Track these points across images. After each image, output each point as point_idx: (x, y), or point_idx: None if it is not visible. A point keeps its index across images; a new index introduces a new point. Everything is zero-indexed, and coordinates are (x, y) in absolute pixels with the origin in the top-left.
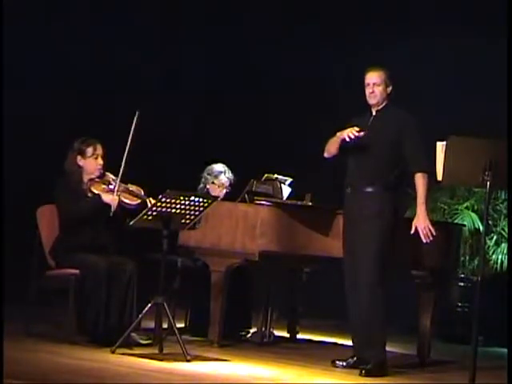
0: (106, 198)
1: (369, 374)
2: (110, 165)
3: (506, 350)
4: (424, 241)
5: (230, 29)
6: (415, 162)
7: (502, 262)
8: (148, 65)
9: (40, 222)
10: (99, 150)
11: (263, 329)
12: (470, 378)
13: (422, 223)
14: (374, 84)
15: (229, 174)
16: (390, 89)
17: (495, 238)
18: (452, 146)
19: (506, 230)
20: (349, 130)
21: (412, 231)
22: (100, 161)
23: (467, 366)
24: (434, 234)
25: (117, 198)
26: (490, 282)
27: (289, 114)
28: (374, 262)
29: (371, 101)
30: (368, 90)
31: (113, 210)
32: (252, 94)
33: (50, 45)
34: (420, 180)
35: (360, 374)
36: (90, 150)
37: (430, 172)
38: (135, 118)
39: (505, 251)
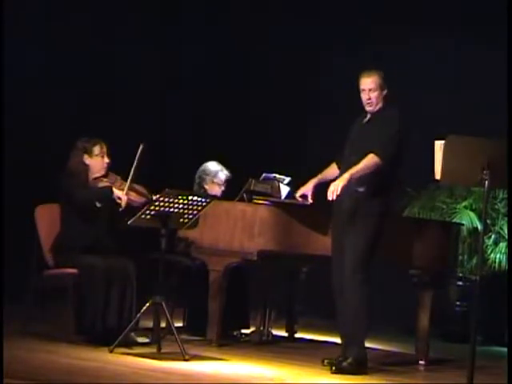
0: (118, 192)
1: (341, 371)
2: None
3: (504, 349)
4: (329, 196)
5: (230, 29)
6: (373, 144)
7: (500, 262)
8: (148, 64)
9: (38, 221)
10: (105, 149)
11: (262, 328)
12: (469, 377)
13: (336, 182)
14: (370, 90)
15: (226, 171)
16: (385, 91)
17: (493, 237)
18: (450, 144)
19: (505, 229)
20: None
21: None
22: (106, 159)
23: (465, 365)
24: (338, 193)
25: (126, 197)
26: (488, 282)
27: (288, 114)
28: (359, 261)
29: (368, 108)
30: (364, 97)
31: (123, 205)
32: (252, 94)
33: (50, 45)
34: (366, 157)
35: (331, 371)
36: (96, 149)
37: (382, 158)
38: (139, 151)
39: (503, 250)
